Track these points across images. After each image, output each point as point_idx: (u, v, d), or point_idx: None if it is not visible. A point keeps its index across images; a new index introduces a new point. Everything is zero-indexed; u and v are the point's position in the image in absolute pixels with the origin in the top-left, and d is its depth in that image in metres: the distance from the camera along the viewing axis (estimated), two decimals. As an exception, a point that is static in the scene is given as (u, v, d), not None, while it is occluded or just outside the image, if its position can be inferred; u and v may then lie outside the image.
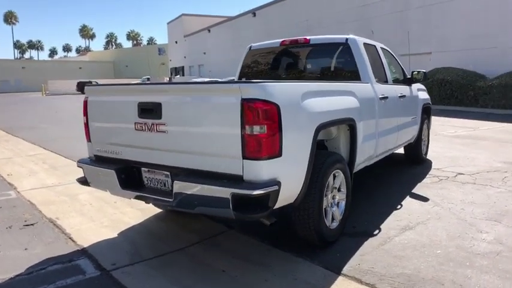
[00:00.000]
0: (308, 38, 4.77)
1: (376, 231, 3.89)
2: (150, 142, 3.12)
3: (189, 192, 2.83)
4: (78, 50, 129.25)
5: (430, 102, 6.93)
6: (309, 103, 3.04)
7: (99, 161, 3.56)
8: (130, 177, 3.32)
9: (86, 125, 3.62)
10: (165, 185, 3.17)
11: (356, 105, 3.84)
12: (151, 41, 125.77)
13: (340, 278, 3.05)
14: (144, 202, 3.50)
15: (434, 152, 7.46)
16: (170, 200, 2.95)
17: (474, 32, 17.95)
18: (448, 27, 19.25)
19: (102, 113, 3.51)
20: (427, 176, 5.98)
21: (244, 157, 2.65)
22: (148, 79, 54.03)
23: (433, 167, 6.54)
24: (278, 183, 2.69)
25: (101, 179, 3.47)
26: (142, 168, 3.29)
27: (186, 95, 2.97)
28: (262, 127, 2.60)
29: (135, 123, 3.16)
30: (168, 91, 3.11)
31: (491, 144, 8.52)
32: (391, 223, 4.10)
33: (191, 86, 3.03)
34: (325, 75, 4.78)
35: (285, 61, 5.27)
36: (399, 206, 4.61)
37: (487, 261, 3.21)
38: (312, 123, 3.07)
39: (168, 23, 63.08)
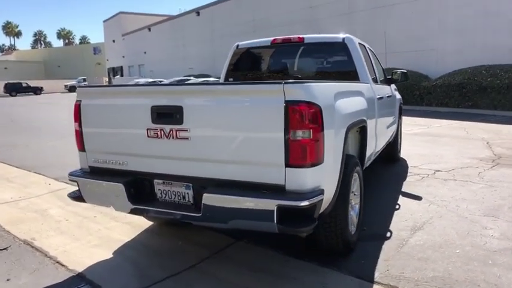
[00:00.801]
0: (302, 36, 4.62)
1: (388, 234, 3.83)
2: (168, 150, 2.77)
3: (223, 205, 2.54)
4: (1, 49, 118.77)
5: (402, 102, 7.12)
6: (339, 104, 2.88)
7: (96, 173, 3.12)
8: (140, 190, 2.94)
9: (78, 132, 3.15)
10: (184, 197, 2.83)
11: (365, 106, 3.75)
12: (84, 39, 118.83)
13: (375, 286, 2.91)
14: (128, 214, 3.13)
15: (403, 149, 7.67)
16: (197, 214, 2.63)
17: (416, 34, 18.99)
18: (391, 30, 20.21)
19: (102, 119, 3.07)
20: (408, 174, 6.10)
21: (288, 165, 2.42)
22: (84, 80, 51.04)
23: (409, 165, 6.70)
24: (322, 192, 2.49)
25: (103, 194, 3.04)
26: (156, 180, 2.92)
27: (215, 96, 2.65)
28: (307, 132, 2.38)
29: (147, 129, 2.79)
30: (191, 93, 2.76)
31: (451, 141, 8.97)
32: (398, 224, 4.07)
33: (222, 87, 2.71)
34: (320, 75, 4.66)
35: (277, 60, 5.07)
36: (397, 206, 4.61)
37: (507, 258, 3.25)
38: (344, 125, 2.91)
39: (104, 21, 60.12)
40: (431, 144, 8.56)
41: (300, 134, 2.37)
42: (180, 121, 2.66)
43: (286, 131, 2.37)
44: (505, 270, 3.05)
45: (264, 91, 2.49)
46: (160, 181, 2.89)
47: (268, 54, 4.97)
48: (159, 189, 2.92)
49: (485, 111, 14.26)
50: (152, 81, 29.86)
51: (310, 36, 4.63)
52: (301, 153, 2.39)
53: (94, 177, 3.06)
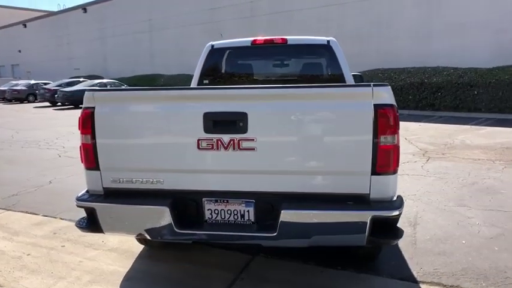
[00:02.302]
0: (285, 38, 4.49)
1: (393, 231, 3.94)
2: (226, 164, 2.39)
3: (304, 222, 2.29)
4: None
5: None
6: None
7: (114, 196, 2.55)
8: (183, 212, 2.49)
9: (90, 146, 2.53)
10: (243, 216, 2.48)
11: None
12: None
13: (424, 286, 2.96)
14: (106, 240, 2.75)
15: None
16: (270, 234, 2.32)
17: (316, 39, 20.28)
18: (293, 34, 21.22)
19: (128, 129, 2.51)
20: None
21: (374, 172, 2.29)
22: None
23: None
24: (402, 199, 2.42)
25: (135, 220, 2.49)
26: (205, 199, 2.50)
27: (287, 101, 2.36)
28: (393, 137, 2.28)
29: (198, 140, 2.37)
30: (258, 97, 2.41)
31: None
32: (394, 221, 4.22)
33: (297, 91, 2.41)
34: (305, 77, 4.59)
35: (257, 62, 4.83)
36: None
37: (506, 243, 3.61)
38: None
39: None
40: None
41: (387, 139, 2.26)
42: (243, 129, 2.32)
43: (375, 136, 2.24)
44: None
45: (350, 94, 2.31)
46: (212, 199, 2.49)
47: (247, 55, 4.70)
48: (208, 209, 2.51)
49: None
50: (35, 83, 26.43)
51: (293, 38, 4.52)
52: (387, 159, 2.28)
53: (120, 201, 2.49)
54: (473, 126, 11.48)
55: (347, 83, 4.23)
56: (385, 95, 2.25)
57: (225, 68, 4.75)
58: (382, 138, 2.24)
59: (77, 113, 2.66)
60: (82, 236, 3.98)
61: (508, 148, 8.10)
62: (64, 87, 22.24)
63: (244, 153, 2.34)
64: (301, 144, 2.35)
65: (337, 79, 4.35)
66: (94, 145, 2.52)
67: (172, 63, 25.85)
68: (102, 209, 2.50)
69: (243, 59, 4.77)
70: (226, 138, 2.34)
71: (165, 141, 2.48)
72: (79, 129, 2.58)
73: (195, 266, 3.35)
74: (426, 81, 14.86)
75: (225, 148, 2.35)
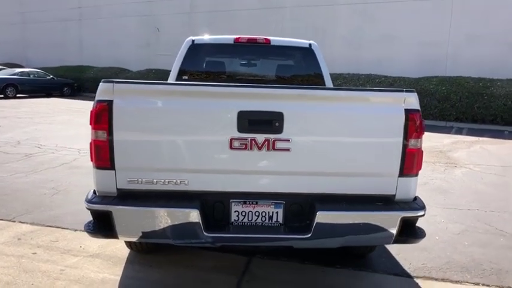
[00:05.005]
0: (269, 38, 4.49)
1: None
2: (258, 164, 2.33)
3: (339, 223, 2.31)
4: None
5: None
6: None
7: (129, 197, 2.35)
8: (210, 215, 2.38)
9: (105, 143, 2.29)
10: (271, 218, 2.43)
11: None
12: None
13: (419, 280, 3.16)
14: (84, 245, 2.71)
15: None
16: (304, 236, 2.31)
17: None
18: (233, 33, 21.23)
19: (152, 126, 2.31)
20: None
21: (401, 174, 2.39)
22: None
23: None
24: (422, 201, 2.56)
25: (158, 224, 2.30)
26: (233, 201, 2.40)
27: (324, 102, 2.36)
28: (419, 141, 2.41)
29: (231, 139, 2.28)
30: (295, 97, 2.36)
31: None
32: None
33: (334, 93, 2.41)
34: (286, 79, 4.63)
35: (240, 61, 4.74)
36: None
37: (470, 238, 3.99)
38: None
39: None
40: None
41: (414, 142, 2.37)
42: (279, 130, 2.28)
43: (405, 139, 2.34)
44: (481, 248, 3.74)
45: (384, 99, 2.39)
46: (240, 201, 2.41)
47: (229, 53, 4.60)
48: (235, 211, 2.42)
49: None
50: None
51: (276, 39, 4.53)
52: (413, 162, 2.40)
53: (142, 203, 2.29)
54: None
55: (321, 85, 4.36)
56: (414, 101, 2.37)
57: (205, 65, 4.61)
58: (410, 142, 2.36)
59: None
60: (54, 242, 3.61)
61: (442, 152, 8.94)
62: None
63: (278, 153, 2.31)
64: (335, 145, 2.38)
65: (318, 81, 4.46)
66: (110, 142, 2.29)
67: (103, 54, 24.37)
68: (121, 212, 2.28)
69: (225, 57, 4.67)
70: (260, 138, 2.29)
71: (193, 140, 2.34)
72: (90, 124, 2.34)
73: (191, 271, 3.22)
74: (361, 88, 15.81)
75: (259, 148, 2.29)
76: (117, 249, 3.50)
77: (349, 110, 2.36)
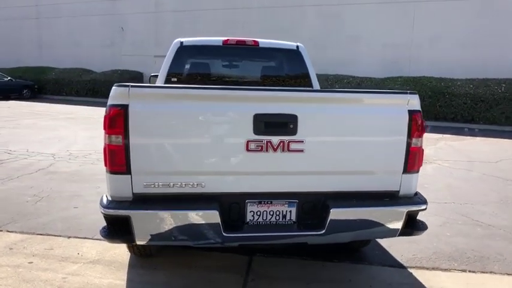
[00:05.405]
0: (257, 40, 4.57)
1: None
2: (273, 165, 2.41)
3: (351, 219, 2.44)
4: None
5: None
6: None
7: (150, 201, 2.36)
8: (227, 216, 2.44)
9: (121, 148, 2.29)
10: (284, 217, 2.53)
11: None
12: None
13: (412, 270, 3.36)
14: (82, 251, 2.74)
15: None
16: (318, 232, 2.42)
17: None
18: (200, 34, 21.12)
19: (168, 129, 2.34)
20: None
21: (405, 171, 2.56)
22: None
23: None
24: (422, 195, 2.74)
25: (180, 227, 2.33)
26: (248, 201, 2.47)
27: (336, 104, 2.48)
28: (420, 140, 2.58)
29: (247, 141, 2.35)
30: (308, 100, 2.46)
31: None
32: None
33: (345, 95, 2.52)
34: (272, 80, 4.73)
35: (227, 63, 4.79)
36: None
37: (451, 229, 4.26)
38: None
39: None
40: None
41: (417, 141, 2.54)
42: (293, 131, 2.38)
43: (409, 138, 2.51)
44: (463, 238, 4.02)
45: (390, 100, 2.54)
46: (255, 201, 2.48)
47: (218, 55, 4.64)
48: (251, 211, 2.49)
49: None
50: None
51: (264, 41, 4.63)
52: (415, 159, 2.57)
53: (161, 207, 2.31)
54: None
55: (309, 87, 4.51)
56: (416, 102, 2.54)
57: (194, 66, 4.63)
58: (413, 140, 2.52)
59: None
60: (49, 250, 3.53)
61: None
62: None
63: (292, 154, 2.40)
64: (345, 145, 2.50)
65: (305, 82, 4.61)
66: (126, 146, 2.30)
67: (64, 55, 23.53)
68: (140, 217, 2.29)
69: (214, 59, 4.71)
70: (275, 140, 2.37)
71: (210, 142, 2.39)
72: (104, 129, 2.33)
73: (196, 271, 3.25)
74: (329, 88, 16.21)
75: (274, 150, 2.38)
76: (117, 254, 3.48)
77: (358, 111, 2.49)
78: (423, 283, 3.16)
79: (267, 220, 2.53)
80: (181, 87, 2.49)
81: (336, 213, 2.41)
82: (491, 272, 3.36)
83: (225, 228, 2.37)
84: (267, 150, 2.38)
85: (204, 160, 2.39)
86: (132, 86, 2.29)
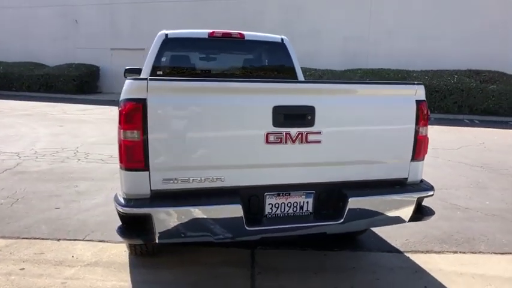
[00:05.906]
0: (243, 33, 4.53)
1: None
2: (292, 157, 2.41)
3: (367, 208, 2.50)
4: None
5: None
6: None
7: (171, 198, 2.29)
8: (247, 209, 2.41)
9: (139, 144, 2.20)
10: (302, 208, 2.54)
11: None
12: None
13: (409, 254, 3.51)
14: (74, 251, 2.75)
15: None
16: (335, 222, 2.46)
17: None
18: (159, 26, 20.55)
19: (187, 123, 2.26)
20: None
21: (413, 159, 2.66)
22: None
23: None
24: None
25: (203, 223, 2.27)
26: (267, 193, 2.46)
27: (349, 96, 2.51)
28: (426, 128, 2.69)
29: (266, 134, 2.34)
30: (325, 91, 2.47)
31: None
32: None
33: (359, 86, 2.54)
34: (257, 72, 4.72)
35: (213, 55, 4.70)
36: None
37: (438, 213, 4.48)
38: None
39: None
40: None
41: (423, 130, 2.65)
42: (311, 123, 2.39)
43: (417, 128, 2.60)
44: (447, 222, 4.25)
45: (400, 91, 2.61)
46: (274, 193, 2.47)
47: (204, 47, 4.55)
48: (269, 204, 2.48)
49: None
50: None
51: (250, 34, 4.59)
52: (422, 147, 2.68)
53: (184, 203, 2.25)
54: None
55: (294, 78, 4.55)
56: (422, 92, 2.64)
57: (180, 59, 4.52)
58: (420, 129, 2.63)
59: None
60: (39, 254, 3.34)
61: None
62: None
63: (310, 146, 2.42)
64: (360, 135, 2.55)
65: (290, 74, 4.64)
66: (144, 142, 2.20)
67: (12, 48, 22.01)
68: (163, 214, 2.21)
69: (199, 51, 4.62)
70: (294, 131, 2.38)
71: (230, 136, 2.35)
72: (120, 124, 2.23)
73: (202, 268, 3.21)
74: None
75: (293, 141, 2.38)
76: (114, 255, 3.35)
77: (371, 102, 2.55)
78: (421, 266, 3.31)
79: (285, 212, 2.54)
80: (200, 80, 2.41)
81: (354, 202, 2.46)
82: (480, 252, 3.59)
83: (246, 221, 2.35)
84: (285, 142, 2.38)
85: (224, 153, 2.35)
86: (150, 79, 2.20)
